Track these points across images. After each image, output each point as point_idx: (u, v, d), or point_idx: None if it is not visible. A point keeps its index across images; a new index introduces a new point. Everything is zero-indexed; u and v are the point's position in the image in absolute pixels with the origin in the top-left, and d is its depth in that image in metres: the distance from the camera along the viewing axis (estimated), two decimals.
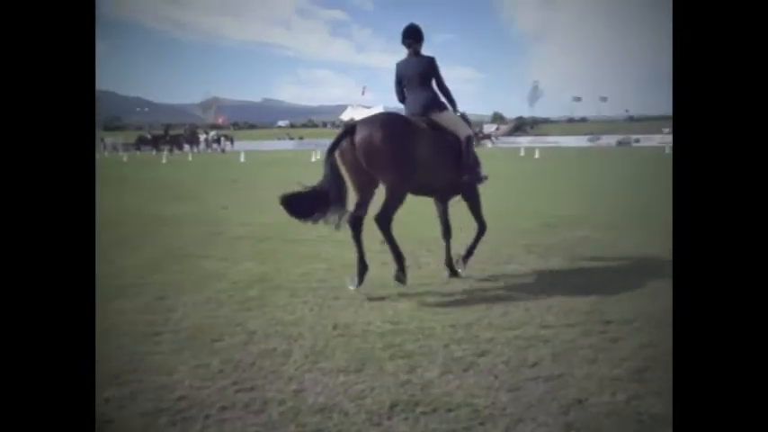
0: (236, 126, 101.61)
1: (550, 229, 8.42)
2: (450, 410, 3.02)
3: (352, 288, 5.28)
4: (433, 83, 5.86)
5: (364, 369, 3.56)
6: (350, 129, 5.24)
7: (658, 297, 4.93)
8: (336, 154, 5.29)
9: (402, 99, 6.02)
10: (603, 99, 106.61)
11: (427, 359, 3.70)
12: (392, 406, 3.08)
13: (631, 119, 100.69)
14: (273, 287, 5.47)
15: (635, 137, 76.24)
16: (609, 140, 75.88)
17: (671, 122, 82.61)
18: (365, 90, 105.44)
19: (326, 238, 7.91)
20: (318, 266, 6.31)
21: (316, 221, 5.39)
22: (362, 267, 5.36)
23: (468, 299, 5.02)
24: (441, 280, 5.66)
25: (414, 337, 4.11)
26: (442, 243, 6.05)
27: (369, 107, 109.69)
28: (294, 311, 4.74)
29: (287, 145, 77.41)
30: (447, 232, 6.08)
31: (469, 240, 6.06)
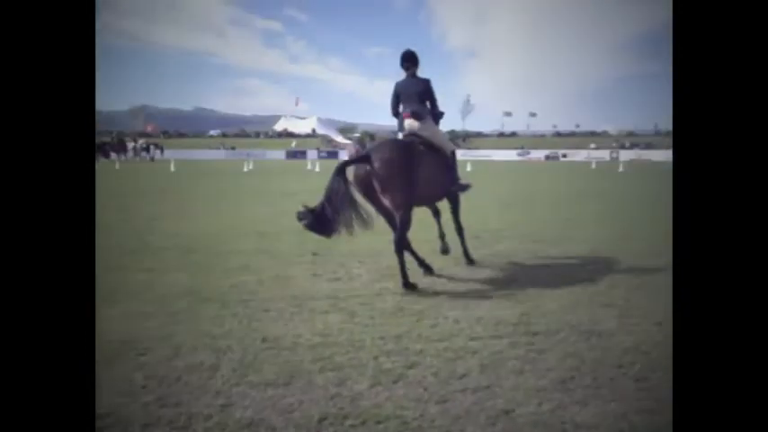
0: (166, 134, 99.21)
1: (480, 242, 8.52)
2: (379, 423, 3.03)
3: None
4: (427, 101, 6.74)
5: (293, 382, 3.53)
6: (364, 157, 5.91)
7: (583, 308, 5.08)
8: (351, 178, 5.92)
9: (396, 113, 6.81)
10: (533, 114, 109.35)
11: (357, 371, 3.70)
12: (321, 419, 3.06)
13: (558, 134, 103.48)
14: (202, 299, 5.36)
15: (562, 152, 78.46)
16: (538, 155, 77.82)
17: (597, 138, 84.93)
18: (299, 101, 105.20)
19: (258, 251, 7.86)
20: (249, 278, 6.22)
21: (336, 232, 5.91)
22: (424, 265, 6.45)
23: (398, 311, 5.04)
24: (371, 292, 5.66)
25: (344, 349, 4.10)
26: (434, 220, 7.41)
27: (303, 118, 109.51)
28: (223, 324, 4.66)
29: (218, 155, 76.25)
30: (437, 213, 7.33)
31: (458, 246, 7.16)
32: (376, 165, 5.75)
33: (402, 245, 5.93)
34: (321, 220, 5.79)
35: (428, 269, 6.44)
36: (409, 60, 6.63)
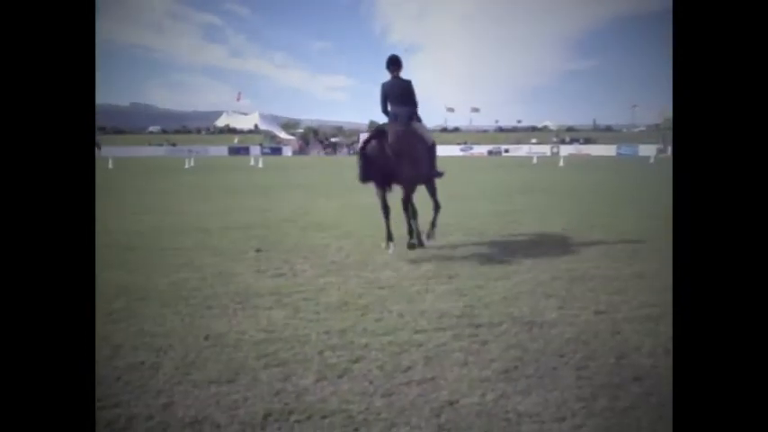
0: (102, 131, 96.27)
1: (424, 236, 8.60)
2: (324, 417, 3.02)
3: (389, 250, 7.39)
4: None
5: (237, 379, 3.49)
6: (380, 132, 7.29)
7: (525, 299, 5.16)
8: (368, 148, 7.28)
9: (385, 111, 7.83)
10: (475, 110, 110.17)
11: (302, 367, 3.68)
12: (266, 415, 3.03)
13: (501, 129, 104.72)
14: (141, 297, 5.23)
15: (504, 147, 79.61)
16: (480, 150, 78.76)
17: (538, 133, 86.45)
18: (240, 96, 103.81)
19: (200, 247, 7.72)
20: (191, 275, 6.11)
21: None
22: (416, 239, 7.60)
23: (343, 305, 5.03)
24: (315, 287, 5.63)
25: (288, 345, 4.07)
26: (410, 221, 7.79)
27: (245, 113, 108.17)
28: (164, 322, 4.57)
29: (159, 151, 74.85)
30: (414, 214, 7.73)
31: (429, 218, 8.24)
32: (390, 137, 7.15)
33: (408, 203, 7.50)
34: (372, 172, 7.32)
35: (412, 246, 7.44)
36: (394, 64, 7.68)
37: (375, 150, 7.23)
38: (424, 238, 7.96)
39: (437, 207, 8.36)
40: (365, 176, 7.28)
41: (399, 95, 7.69)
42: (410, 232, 7.57)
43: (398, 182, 7.45)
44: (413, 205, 7.71)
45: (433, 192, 8.34)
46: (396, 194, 7.38)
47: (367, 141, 7.33)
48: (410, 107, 7.70)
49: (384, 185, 7.49)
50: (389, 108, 7.77)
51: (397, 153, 7.13)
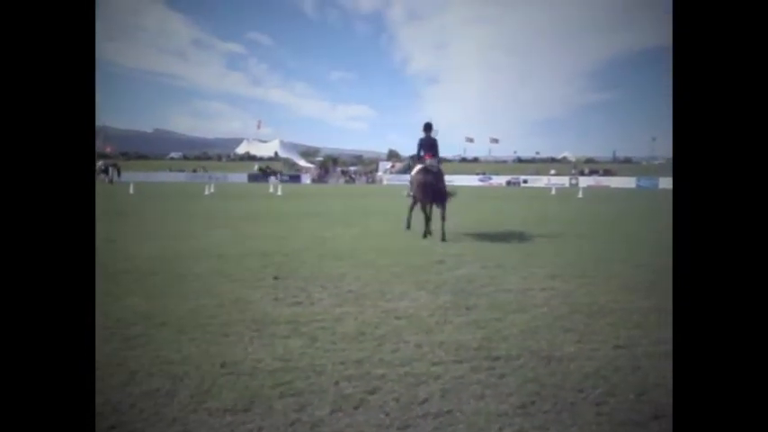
0: (125, 156, 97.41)
1: (442, 266, 8.57)
2: None
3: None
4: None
5: (252, 408, 3.47)
6: (429, 167, 12.23)
7: (543, 333, 5.11)
8: (421, 179, 12.23)
9: (419, 155, 12.68)
10: (494, 140, 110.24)
11: (317, 397, 3.65)
12: None
13: (520, 160, 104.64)
14: (159, 324, 5.24)
15: (523, 177, 79.49)
16: (499, 180, 78.70)
17: (557, 165, 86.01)
18: (261, 123, 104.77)
19: (217, 274, 7.74)
20: (208, 302, 6.12)
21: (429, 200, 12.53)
22: (428, 231, 12.61)
23: (360, 335, 5.00)
24: (332, 316, 5.61)
25: (304, 374, 4.05)
26: (440, 222, 12.21)
27: (265, 141, 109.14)
28: (180, 349, 4.57)
29: (179, 177, 75.76)
30: (443, 218, 12.19)
31: (439, 227, 12.13)
32: (434, 172, 12.16)
33: (444, 214, 12.21)
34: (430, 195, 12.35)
35: (426, 234, 12.43)
36: (429, 127, 12.63)
37: (428, 180, 12.03)
38: (443, 237, 11.90)
39: (444, 218, 12.23)
40: (424, 197, 12.36)
41: (430, 146, 12.53)
42: (442, 232, 11.93)
43: (439, 198, 12.25)
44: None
45: (444, 207, 12.33)
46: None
47: (419, 175, 12.33)
48: (436, 154, 12.55)
49: (430, 201, 12.35)
50: (422, 153, 12.47)
51: (438, 181, 12.13)
